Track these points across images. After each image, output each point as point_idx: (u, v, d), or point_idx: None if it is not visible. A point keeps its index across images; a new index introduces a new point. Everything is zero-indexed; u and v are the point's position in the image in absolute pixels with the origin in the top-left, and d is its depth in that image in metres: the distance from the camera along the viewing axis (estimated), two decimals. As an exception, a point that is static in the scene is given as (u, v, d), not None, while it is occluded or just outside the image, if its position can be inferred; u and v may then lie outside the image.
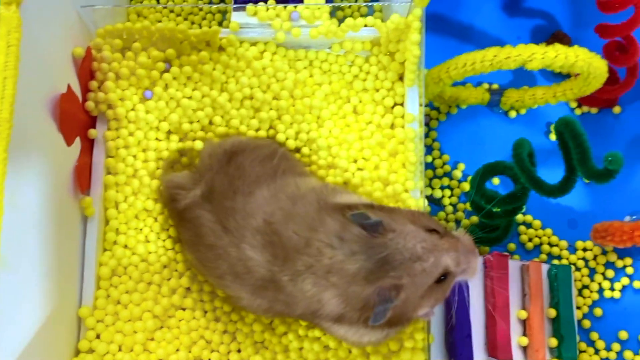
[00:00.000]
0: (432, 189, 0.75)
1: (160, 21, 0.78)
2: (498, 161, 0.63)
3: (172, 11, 0.79)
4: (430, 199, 0.75)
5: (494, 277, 0.64)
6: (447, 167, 0.76)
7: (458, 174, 0.76)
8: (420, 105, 0.65)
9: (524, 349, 0.65)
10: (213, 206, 0.59)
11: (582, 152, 0.55)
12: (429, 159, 0.76)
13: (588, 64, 0.62)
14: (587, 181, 0.74)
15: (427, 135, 0.77)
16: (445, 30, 0.81)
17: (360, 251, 0.51)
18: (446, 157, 0.76)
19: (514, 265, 0.67)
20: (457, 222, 0.74)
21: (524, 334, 0.65)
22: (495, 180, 0.75)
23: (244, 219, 0.57)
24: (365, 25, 0.65)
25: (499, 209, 0.66)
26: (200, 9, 0.79)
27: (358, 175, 0.65)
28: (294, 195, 0.58)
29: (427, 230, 0.52)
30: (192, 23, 0.79)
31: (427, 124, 0.77)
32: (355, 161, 0.66)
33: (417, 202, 0.63)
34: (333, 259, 0.52)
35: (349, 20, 0.65)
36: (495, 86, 0.78)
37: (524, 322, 0.66)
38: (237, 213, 0.57)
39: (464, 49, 0.72)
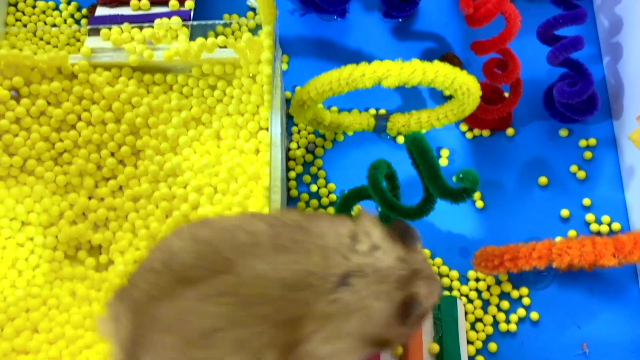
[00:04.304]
0: (317, 219, 0.71)
1: (35, 53, 0.75)
2: (363, 185, 0.59)
3: (48, 42, 0.76)
4: (315, 230, 0.71)
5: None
6: (333, 197, 0.72)
7: (343, 203, 0.71)
8: (298, 126, 0.61)
9: (401, 388, 0.60)
10: None
11: (429, 169, 0.52)
12: (314, 188, 0.72)
13: (451, 80, 0.59)
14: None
15: (312, 164, 0.74)
16: (336, 55, 0.78)
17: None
18: (332, 185, 0.73)
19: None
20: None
21: (402, 372, 0.61)
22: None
23: None
24: (219, 47, 0.62)
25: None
26: (78, 40, 0.76)
27: (217, 200, 0.61)
28: None
29: None
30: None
31: (312, 152, 0.74)
32: (215, 188, 0.62)
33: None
34: None
35: (200, 40, 0.62)
36: (382, 111, 0.75)
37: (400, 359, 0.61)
38: None
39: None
